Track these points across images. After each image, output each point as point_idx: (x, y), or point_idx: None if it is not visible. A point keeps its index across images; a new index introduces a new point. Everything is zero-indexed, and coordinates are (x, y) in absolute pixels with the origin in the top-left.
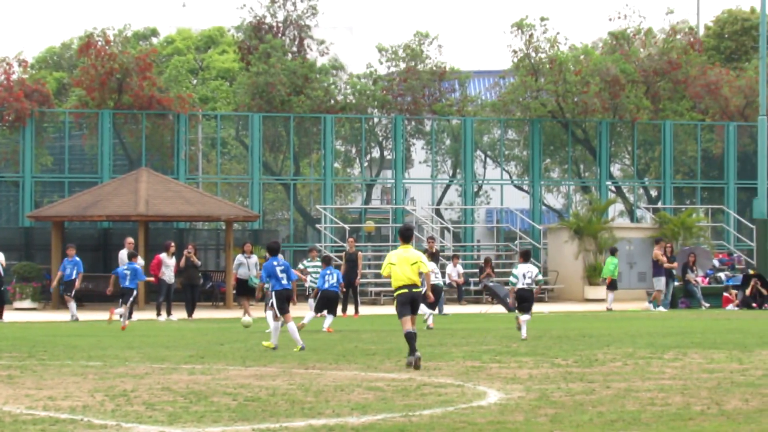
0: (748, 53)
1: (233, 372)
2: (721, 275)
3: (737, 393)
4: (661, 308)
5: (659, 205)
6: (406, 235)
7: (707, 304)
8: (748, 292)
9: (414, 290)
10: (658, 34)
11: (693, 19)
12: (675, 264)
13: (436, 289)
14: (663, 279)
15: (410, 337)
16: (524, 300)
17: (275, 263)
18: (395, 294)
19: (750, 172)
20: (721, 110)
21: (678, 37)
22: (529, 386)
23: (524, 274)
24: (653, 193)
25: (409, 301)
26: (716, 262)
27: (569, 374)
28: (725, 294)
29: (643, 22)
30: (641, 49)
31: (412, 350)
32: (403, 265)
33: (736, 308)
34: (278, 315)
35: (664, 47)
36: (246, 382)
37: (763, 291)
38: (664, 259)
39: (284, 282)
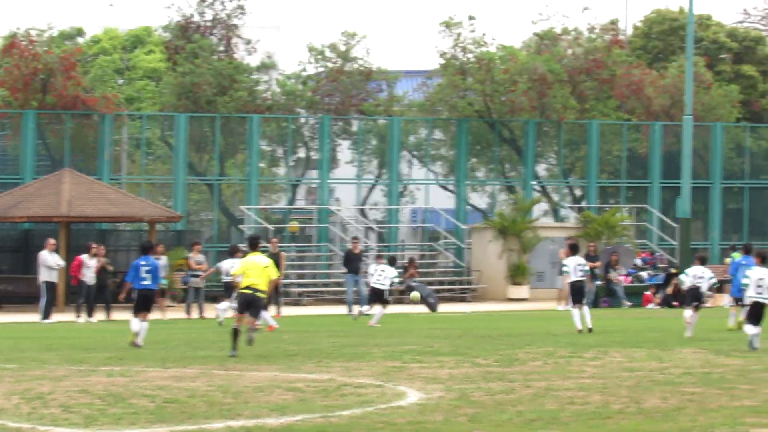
0: (675, 53)
1: (152, 373)
2: (644, 274)
3: (656, 391)
4: (567, 307)
5: (583, 204)
6: (252, 243)
7: (629, 303)
8: (669, 290)
9: (257, 294)
10: (585, 32)
11: (622, 18)
12: (598, 263)
13: (378, 292)
14: None
15: (234, 334)
16: (579, 292)
17: (143, 263)
18: (238, 292)
19: (674, 171)
20: (646, 110)
21: (605, 36)
22: (450, 386)
23: (576, 266)
24: (578, 192)
25: (247, 302)
26: (639, 261)
27: (489, 374)
28: (646, 293)
29: (567, 22)
30: (568, 49)
31: (233, 347)
32: (255, 268)
33: (657, 307)
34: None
35: (588, 46)
36: (165, 383)
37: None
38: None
39: (147, 282)
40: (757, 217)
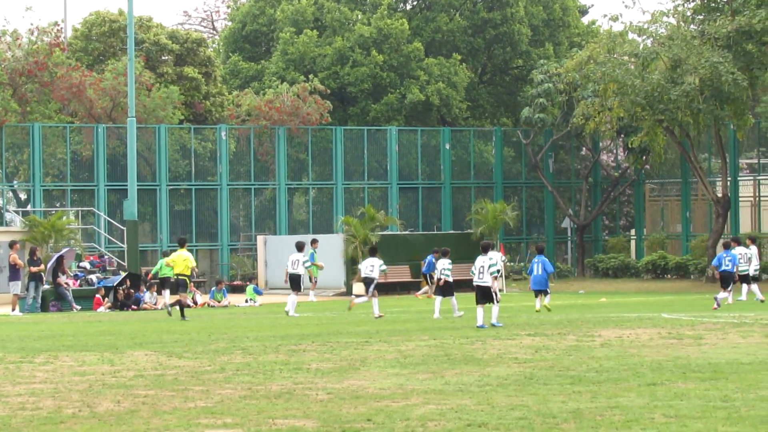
0: (117, 55)
1: None
2: (93, 277)
3: (109, 395)
4: (17, 312)
5: (29, 208)
6: None
7: (78, 307)
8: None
9: None
10: (25, 35)
11: (62, 19)
12: (42, 267)
13: None
14: (20, 283)
15: None
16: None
17: None
18: None
19: (120, 173)
20: (88, 112)
21: (44, 38)
22: None
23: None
24: (23, 196)
25: None
26: (87, 264)
27: None
28: (97, 296)
29: (7, 25)
30: (8, 52)
31: None
32: None
33: (108, 310)
34: None
35: (30, 48)
36: None
37: (132, 291)
38: (21, 262)
39: None
40: (204, 219)
